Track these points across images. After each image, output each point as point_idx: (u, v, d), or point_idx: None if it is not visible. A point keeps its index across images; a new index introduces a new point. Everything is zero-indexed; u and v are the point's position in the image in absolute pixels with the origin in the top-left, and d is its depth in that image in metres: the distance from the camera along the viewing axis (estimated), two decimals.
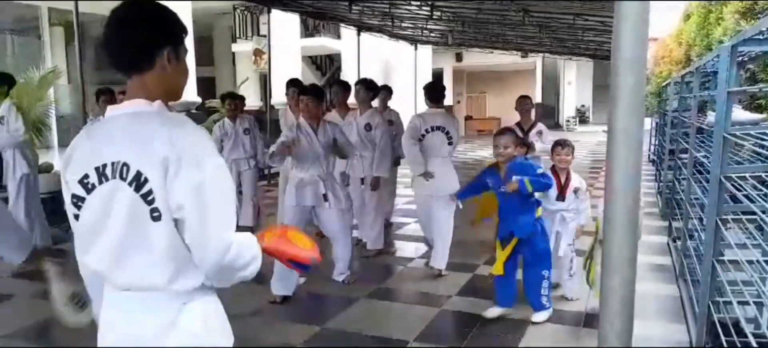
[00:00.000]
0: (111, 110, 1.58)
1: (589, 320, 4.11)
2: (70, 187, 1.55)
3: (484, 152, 17.04)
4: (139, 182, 1.47)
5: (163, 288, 1.52)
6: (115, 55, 1.56)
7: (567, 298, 4.47)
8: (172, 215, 1.47)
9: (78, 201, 1.53)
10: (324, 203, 4.63)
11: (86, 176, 1.51)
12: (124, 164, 1.48)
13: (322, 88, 4.83)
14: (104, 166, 1.49)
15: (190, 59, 11.22)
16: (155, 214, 1.48)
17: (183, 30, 1.64)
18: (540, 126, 6.15)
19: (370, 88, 5.96)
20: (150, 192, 1.47)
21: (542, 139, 5.97)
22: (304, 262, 1.74)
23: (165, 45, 1.56)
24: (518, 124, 6.08)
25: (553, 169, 4.40)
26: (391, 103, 7.00)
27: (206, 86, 15.49)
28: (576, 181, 4.42)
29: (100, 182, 1.50)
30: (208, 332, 1.61)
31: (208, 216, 1.48)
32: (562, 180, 4.40)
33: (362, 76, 8.85)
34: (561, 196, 4.39)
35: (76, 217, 1.55)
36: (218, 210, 1.50)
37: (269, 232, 1.72)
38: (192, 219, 1.47)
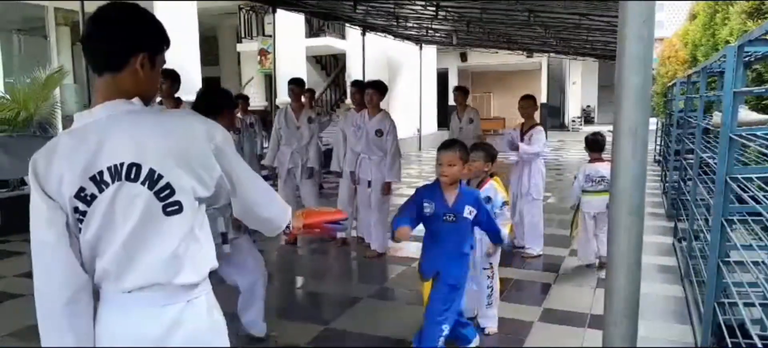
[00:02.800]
0: (82, 117, 1.54)
1: (594, 321, 4.09)
2: (57, 202, 1.48)
3: None
4: (152, 180, 1.48)
5: (168, 283, 1.53)
6: (90, 51, 1.56)
7: (482, 330, 3.91)
8: (238, 187, 1.65)
9: (80, 216, 1.49)
10: None
11: (82, 189, 1.47)
12: (133, 165, 1.47)
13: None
14: (100, 173, 1.47)
15: (195, 59, 11.25)
16: (172, 209, 1.51)
17: (164, 40, 1.63)
18: (534, 130, 5.71)
19: (382, 92, 5.93)
20: (166, 187, 1.49)
21: (530, 142, 5.69)
22: (336, 219, 2.07)
23: (140, 50, 1.55)
24: (522, 126, 5.94)
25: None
26: (397, 104, 7.03)
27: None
28: (488, 191, 3.78)
29: (101, 190, 1.47)
30: (212, 327, 1.64)
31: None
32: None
33: (367, 76, 8.83)
34: None
35: (80, 230, 1.51)
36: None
37: (301, 214, 2.01)
38: (249, 177, 1.72)
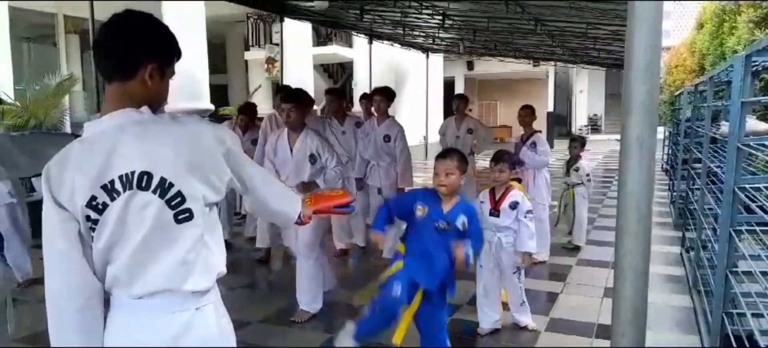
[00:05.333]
0: (91, 126, 1.55)
1: (601, 331, 4.07)
2: (69, 210, 1.50)
3: None
4: (163, 188, 1.50)
5: (177, 290, 1.54)
6: (101, 58, 1.57)
7: (520, 327, 4.11)
8: (250, 186, 1.74)
9: (92, 224, 1.50)
10: None
11: (94, 198, 1.48)
12: (144, 173, 1.48)
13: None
14: (111, 182, 1.48)
15: (203, 66, 11.29)
16: (183, 217, 1.52)
17: (175, 52, 1.64)
18: (536, 137, 5.91)
19: (391, 98, 5.95)
20: (177, 195, 1.51)
21: (535, 150, 5.82)
22: (344, 203, 2.14)
23: (150, 60, 1.55)
24: (521, 135, 6.08)
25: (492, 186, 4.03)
26: (403, 112, 7.08)
27: (219, 94, 15.60)
28: (516, 196, 3.91)
29: (112, 199, 1.48)
30: (221, 333, 1.64)
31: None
32: (498, 194, 3.95)
33: (374, 84, 8.86)
34: (494, 211, 3.92)
35: (92, 238, 1.52)
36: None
37: (308, 201, 2.05)
38: (259, 175, 1.83)
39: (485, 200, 4.01)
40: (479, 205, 3.99)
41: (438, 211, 3.11)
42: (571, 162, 6.37)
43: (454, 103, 7.27)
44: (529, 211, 3.90)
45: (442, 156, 3.17)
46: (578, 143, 6.47)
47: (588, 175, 6.30)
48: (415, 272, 3.08)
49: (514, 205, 3.88)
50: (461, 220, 3.09)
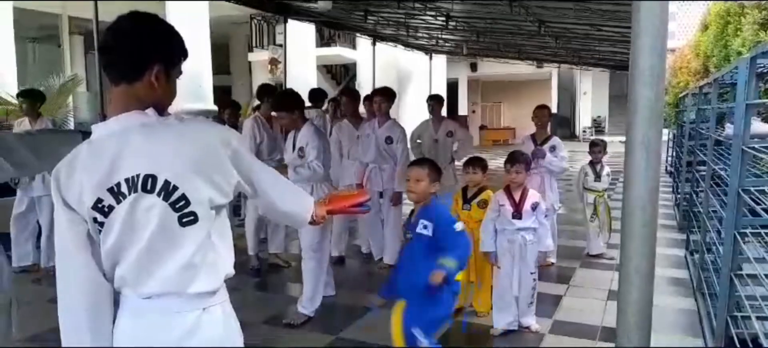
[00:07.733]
0: (98, 128, 1.55)
1: (605, 334, 4.07)
2: (78, 212, 1.52)
3: (498, 162, 16.95)
4: (167, 191, 1.49)
5: (183, 292, 1.54)
6: (106, 61, 1.57)
7: (525, 329, 4.10)
8: (259, 189, 1.71)
9: (99, 226, 1.51)
10: None
11: (100, 200, 1.49)
12: (148, 176, 1.48)
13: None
14: (117, 185, 1.48)
15: (207, 67, 11.28)
16: (187, 219, 1.52)
17: (181, 53, 1.63)
18: (554, 140, 5.77)
19: (391, 99, 5.80)
20: (181, 198, 1.50)
21: (556, 155, 5.66)
22: (361, 201, 2.11)
23: (156, 61, 1.55)
24: (532, 136, 5.85)
25: (507, 187, 4.05)
26: (406, 113, 7.00)
27: (222, 95, 15.62)
28: (535, 196, 4.05)
29: (118, 202, 1.49)
30: (228, 336, 1.64)
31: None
32: (517, 197, 4.00)
33: (377, 85, 8.84)
34: (517, 214, 3.97)
35: (100, 240, 1.53)
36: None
37: (323, 201, 2.05)
38: (268, 177, 1.78)
39: (505, 203, 4.01)
40: (498, 208, 4.02)
41: (409, 223, 3.15)
42: (597, 166, 6.17)
43: (428, 106, 6.65)
44: (546, 211, 4.09)
45: (413, 163, 3.28)
46: (602, 147, 6.23)
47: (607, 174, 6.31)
48: (393, 288, 3.26)
49: (535, 206, 3.99)
50: (422, 226, 3.00)
